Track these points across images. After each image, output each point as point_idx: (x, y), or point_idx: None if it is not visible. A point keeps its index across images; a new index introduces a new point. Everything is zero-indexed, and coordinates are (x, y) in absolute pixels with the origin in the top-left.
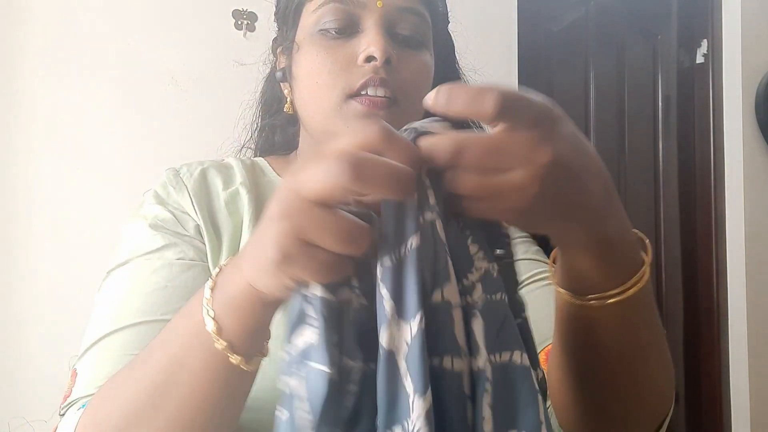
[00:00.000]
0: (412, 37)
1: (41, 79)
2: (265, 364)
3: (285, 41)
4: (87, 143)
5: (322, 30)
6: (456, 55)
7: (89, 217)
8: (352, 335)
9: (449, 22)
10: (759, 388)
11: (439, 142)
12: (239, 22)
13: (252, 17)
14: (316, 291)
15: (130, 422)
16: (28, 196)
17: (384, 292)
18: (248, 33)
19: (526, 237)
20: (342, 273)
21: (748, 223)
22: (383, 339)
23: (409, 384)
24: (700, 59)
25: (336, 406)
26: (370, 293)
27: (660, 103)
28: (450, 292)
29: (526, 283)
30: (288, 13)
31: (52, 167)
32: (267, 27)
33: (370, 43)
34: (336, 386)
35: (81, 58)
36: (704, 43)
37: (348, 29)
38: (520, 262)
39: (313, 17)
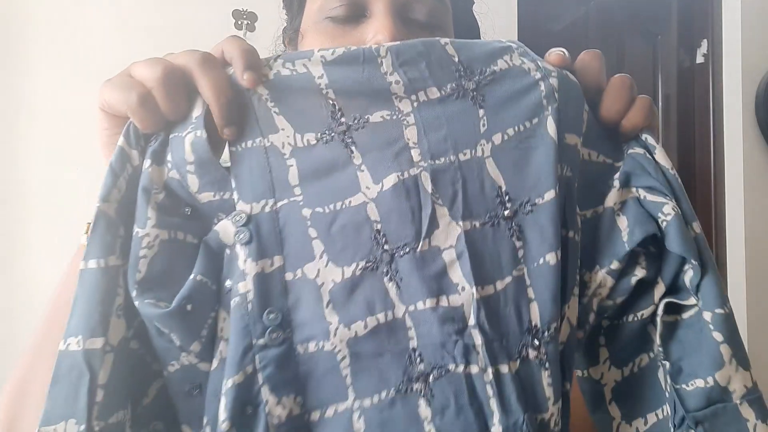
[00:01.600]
0: (428, 23)
1: (42, 80)
2: None
3: (290, 30)
4: (88, 143)
5: (327, 17)
6: (482, 38)
7: (89, 217)
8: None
9: (474, 2)
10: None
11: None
12: (239, 22)
13: (252, 17)
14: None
15: (32, 360)
16: (27, 195)
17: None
18: (248, 33)
19: None
20: (147, 110)
21: (748, 223)
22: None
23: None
24: (700, 59)
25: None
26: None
27: (660, 103)
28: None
29: None
30: (293, 0)
31: (53, 167)
32: (267, 27)
33: (377, 30)
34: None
35: (81, 59)
36: (704, 43)
37: (355, 15)
38: None
39: (318, 3)
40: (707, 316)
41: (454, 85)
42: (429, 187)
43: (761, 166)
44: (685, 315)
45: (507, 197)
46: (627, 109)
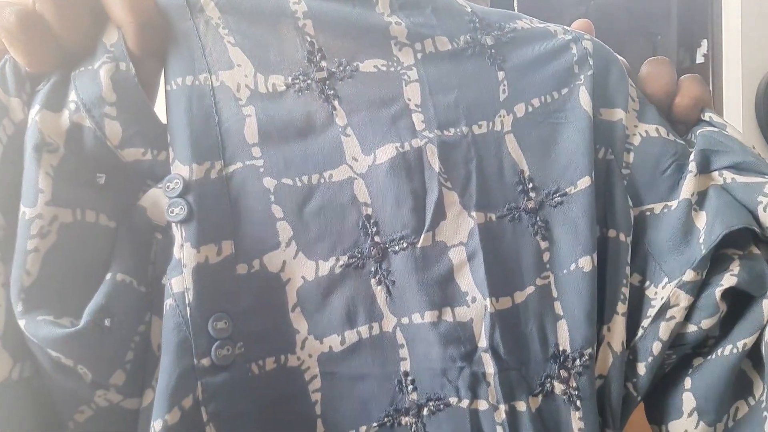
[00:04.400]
0: None
1: None
2: None
3: None
4: None
5: None
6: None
7: None
8: None
9: None
10: None
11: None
12: None
13: None
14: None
15: None
16: None
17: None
18: None
19: None
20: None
21: None
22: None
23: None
24: (700, 59)
25: None
26: None
27: None
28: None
29: None
30: None
31: None
32: None
33: None
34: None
35: None
36: (704, 43)
37: None
38: None
39: None
40: None
41: (468, 38)
42: (436, 165)
43: None
44: None
45: (531, 184)
46: (675, 86)
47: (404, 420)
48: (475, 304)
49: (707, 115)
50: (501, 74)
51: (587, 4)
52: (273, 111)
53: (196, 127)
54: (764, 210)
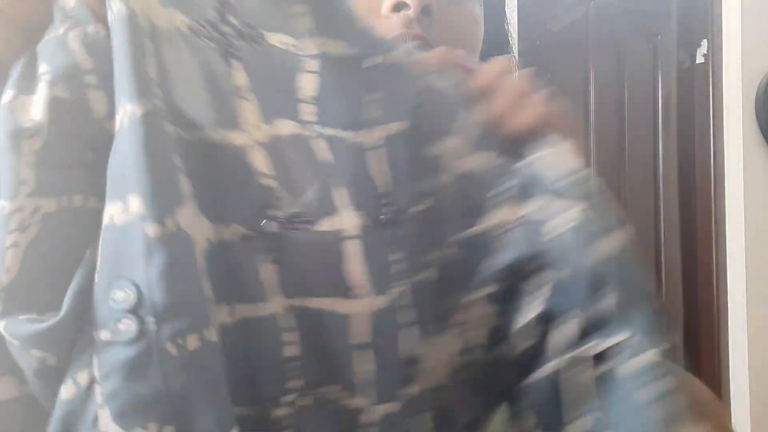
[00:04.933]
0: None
1: None
2: None
3: None
4: None
5: None
6: (506, 11)
7: None
8: None
9: (507, 20)
10: (759, 389)
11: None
12: None
13: None
14: None
15: None
16: None
17: None
18: None
19: None
20: None
21: (748, 223)
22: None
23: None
24: (700, 59)
25: None
26: None
27: (660, 103)
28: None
29: None
30: None
31: None
32: None
33: None
34: None
35: None
36: (704, 43)
37: None
38: None
39: None
40: (633, 364)
41: (365, 49)
42: (330, 158)
43: (761, 166)
44: (610, 363)
45: (388, 199)
46: (520, 109)
47: (280, 410)
48: (360, 299)
49: (543, 139)
50: (380, 94)
51: (587, 4)
52: (172, 51)
53: (120, 64)
54: (548, 237)
